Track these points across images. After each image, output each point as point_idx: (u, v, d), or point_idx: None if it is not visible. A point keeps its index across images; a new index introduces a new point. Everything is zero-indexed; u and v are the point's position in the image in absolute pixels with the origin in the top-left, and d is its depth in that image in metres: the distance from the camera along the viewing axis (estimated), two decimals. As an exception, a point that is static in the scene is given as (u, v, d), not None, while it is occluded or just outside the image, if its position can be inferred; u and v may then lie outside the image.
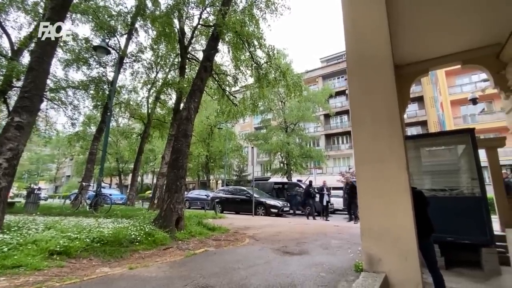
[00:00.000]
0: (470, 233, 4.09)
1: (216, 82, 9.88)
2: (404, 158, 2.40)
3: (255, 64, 8.82)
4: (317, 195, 11.38)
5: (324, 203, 11.01)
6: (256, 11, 8.06)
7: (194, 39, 10.60)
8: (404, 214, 2.29)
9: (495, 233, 4.10)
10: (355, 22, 2.95)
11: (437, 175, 4.93)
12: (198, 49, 11.52)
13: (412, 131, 22.39)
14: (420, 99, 23.87)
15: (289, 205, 12.44)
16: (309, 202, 11.34)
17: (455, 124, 17.94)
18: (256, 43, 8.29)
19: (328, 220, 10.33)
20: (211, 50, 6.59)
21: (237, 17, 7.47)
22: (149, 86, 13.73)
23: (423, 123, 23.10)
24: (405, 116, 9.29)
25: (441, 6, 3.98)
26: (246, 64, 9.16)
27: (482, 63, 5.34)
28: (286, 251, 3.83)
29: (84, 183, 9.37)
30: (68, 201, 9.66)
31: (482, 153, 4.93)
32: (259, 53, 8.77)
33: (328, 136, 30.42)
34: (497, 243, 4.00)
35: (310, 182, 11.82)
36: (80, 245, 3.22)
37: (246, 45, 8.21)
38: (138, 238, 3.88)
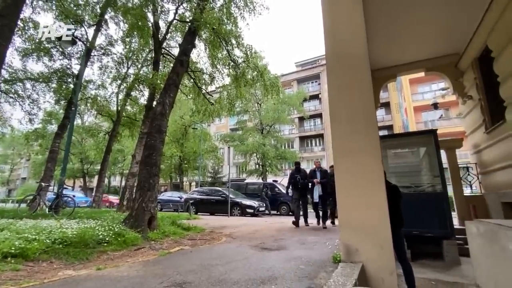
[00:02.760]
0: (433, 227, 4.39)
1: (192, 80, 9.64)
2: (379, 151, 2.52)
3: (232, 63, 8.77)
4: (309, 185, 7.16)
5: (316, 198, 6.80)
6: (234, 9, 8.04)
7: (169, 34, 10.27)
8: (379, 204, 2.39)
9: (455, 226, 4.46)
10: (334, 26, 3.04)
11: (403, 173, 5.25)
12: (173, 46, 11.18)
13: (379, 134, 23.76)
14: (387, 105, 25.47)
15: (265, 205, 12.47)
16: (293, 197, 7.25)
17: (417, 129, 19.39)
18: (234, 41, 8.26)
19: (325, 228, 6.53)
20: (187, 45, 6.42)
21: (215, 14, 7.38)
22: (119, 81, 13.00)
23: (390, 127, 24.65)
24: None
25: (408, 17, 4.29)
26: (223, 62, 9.07)
27: (443, 71, 5.85)
28: (264, 247, 3.81)
29: (43, 184, 8.56)
30: (23, 205, 8.74)
31: (442, 154, 5.37)
32: (236, 52, 8.74)
33: (302, 138, 31.21)
34: (457, 236, 4.35)
35: (297, 164, 7.54)
36: (39, 247, 2.90)
37: (224, 43, 8.13)
38: (107, 239, 3.61)
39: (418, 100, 20.95)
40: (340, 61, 2.95)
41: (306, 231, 5.90)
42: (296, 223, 6.84)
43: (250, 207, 11.66)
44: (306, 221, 7.14)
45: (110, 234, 3.71)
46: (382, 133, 24.32)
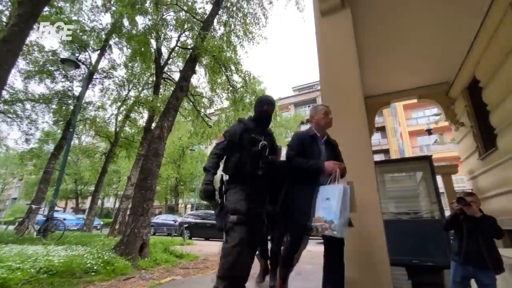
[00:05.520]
0: (433, 256, 4.27)
1: (191, 103, 9.83)
2: (374, 179, 2.52)
3: (231, 88, 9.01)
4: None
5: (330, 215, 1.76)
6: (234, 38, 8.42)
7: (170, 60, 10.62)
8: (376, 235, 2.34)
9: (455, 254, 4.33)
10: (328, 58, 3.16)
11: (401, 198, 5.20)
12: (174, 70, 11.52)
13: (376, 158, 23.87)
14: (382, 129, 25.85)
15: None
16: (232, 207, 2.08)
17: (413, 153, 19.57)
18: (233, 68, 8.55)
19: None
20: (188, 71, 6.62)
21: (216, 42, 7.71)
22: (119, 103, 13.19)
23: (386, 151, 24.83)
24: (370, 143, 9.90)
25: (400, 50, 4.52)
26: (223, 87, 9.32)
27: (435, 98, 6.04)
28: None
29: (33, 206, 8.33)
30: (11, 227, 8.43)
31: (439, 180, 5.37)
32: (235, 77, 9.02)
33: (300, 161, 31.13)
34: (458, 265, 4.21)
35: (268, 104, 2.44)
36: (22, 277, 2.76)
37: (223, 69, 8.42)
38: (95, 267, 3.45)
39: (412, 125, 21.38)
40: (334, 91, 3.04)
41: (302, 260, 5.66)
42: None
43: (246, 232, 11.32)
44: (263, 275, 3.24)
45: (99, 263, 3.56)
46: (379, 156, 24.49)
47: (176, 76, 10.60)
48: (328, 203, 1.83)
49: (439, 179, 5.90)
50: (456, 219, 2.66)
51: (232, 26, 8.41)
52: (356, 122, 2.76)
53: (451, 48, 4.50)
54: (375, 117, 6.63)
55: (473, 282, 2.73)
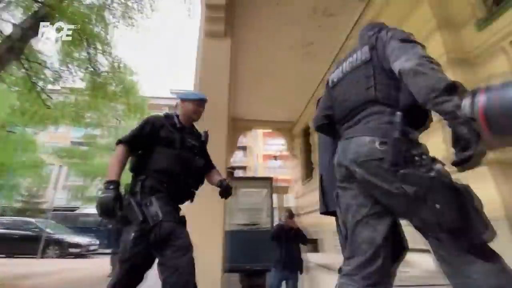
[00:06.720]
0: (261, 261, 5.11)
1: (24, 70, 7.26)
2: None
3: (92, 69, 7.45)
4: None
5: None
6: (109, 16, 7.17)
7: (3, 4, 7.56)
8: (214, 245, 2.53)
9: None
10: (206, 74, 3.28)
11: (248, 211, 5.98)
12: (6, 20, 8.21)
13: (238, 173, 26.59)
14: (245, 149, 29.41)
15: (98, 242, 10.27)
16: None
17: (265, 173, 23.34)
18: (99, 47, 7.18)
19: None
20: (28, 30, 4.96)
21: (81, 10, 6.27)
22: None
23: (245, 168, 28.26)
24: (232, 160, 11.00)
25: (265, 85, 5.42)
26: (80, 64, 7.53)
27: (283, 132, 7.59)
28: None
29: None
30: None
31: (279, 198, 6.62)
32: (101, 59, 7.56)
33: (163, 167, 29.64)
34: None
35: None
36: None
37: (86, 43, 6.89)
38: None
39: (267, 150, 25.64)
40: (206, 106, 3.19)
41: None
42: None
43: (76, 245, 9.25)
44: None
45: None
46: (242, 172, 27.43)
47: (7, 29, 7.61)
48: None
49: (279, 197, 7.33)
50: (280, 230, 3.38)
51: (109, 1, 7.16)
52: (219, 138, 3.00)
53: (298, 97, 5.87)
54: (239, 137, 7.47)
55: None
